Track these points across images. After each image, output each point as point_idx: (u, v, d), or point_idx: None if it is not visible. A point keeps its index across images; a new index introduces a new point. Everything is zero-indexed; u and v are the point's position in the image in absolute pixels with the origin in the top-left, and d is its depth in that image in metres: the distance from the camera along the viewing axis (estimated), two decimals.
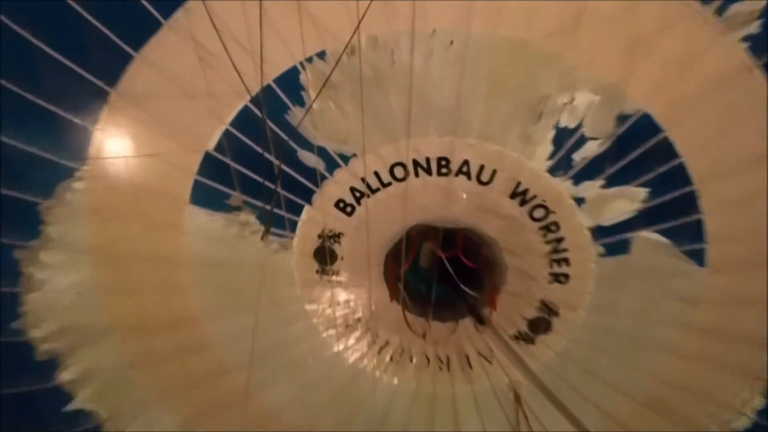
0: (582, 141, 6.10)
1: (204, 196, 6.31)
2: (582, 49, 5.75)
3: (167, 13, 5.81)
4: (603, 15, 5.61)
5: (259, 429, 7.49)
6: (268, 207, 6.60)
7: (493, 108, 6.04)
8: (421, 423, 7.55)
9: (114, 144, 6.03)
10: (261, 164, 6.19)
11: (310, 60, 5.78)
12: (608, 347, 7.03)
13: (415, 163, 6.25)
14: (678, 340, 6.79)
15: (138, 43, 5.75)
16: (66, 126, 5.85)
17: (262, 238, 6.75)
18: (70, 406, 6.76)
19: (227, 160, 6.13)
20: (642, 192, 6.24)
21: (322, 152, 6.20)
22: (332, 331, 7.20)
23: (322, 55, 5.76)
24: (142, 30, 5.85)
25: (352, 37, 5.83)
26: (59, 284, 6.39)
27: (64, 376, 6.66)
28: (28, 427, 6.82)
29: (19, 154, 5.88)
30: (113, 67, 5.76)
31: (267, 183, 6.21)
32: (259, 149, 6.08)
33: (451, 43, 5.75)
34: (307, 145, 6.16)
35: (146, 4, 5.63)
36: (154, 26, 5.73)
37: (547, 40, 5.71)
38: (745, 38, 5.63)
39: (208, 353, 7.05)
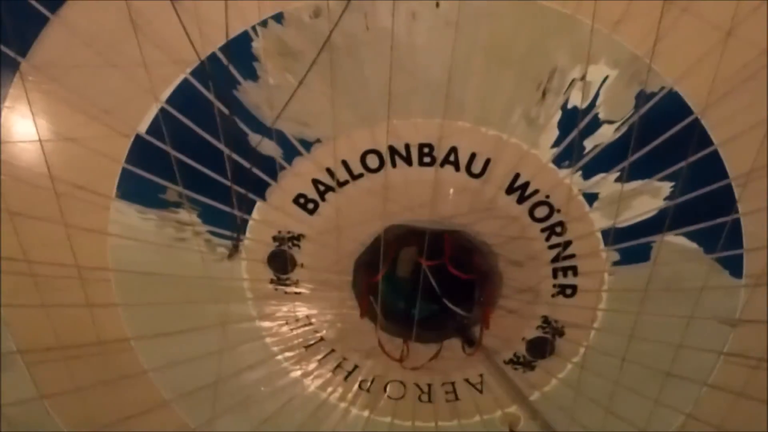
0: (595, 124, 5.67)
1: (134, 190, 5.93)
2: (604, 10, 5.31)
3: None
4: None
5: None
6: (225, 208, 6.11)
7: (491, 84, 5.67)
8: None
9: (24, 126, 5.54)
10: (205, 150, 5.78)
11: (264, 24, 5.32)
12: (624, 376, 6.68)
13: (392, 151, 5.90)
14: (712, 369, 6.50)
15: (55, 1, 5.25)
16: None
17: (229, 257, 6.38)
18: None
19: (163, 146, 5.65)
20: (666, 187, 5.84)
21: (279, 137, 5.75)
22: (290, 354, 6.89)
23: (279, 17, 5.33)
24: None
25: None
26: None
27: None
28: None
29: None
30: (24, 31, 5.37)
31: (215, 175, 5.92)
32: (202, 133, 5.63)
33: (437, 5, 5.30)
34: (261, 129, 5.68)
35: None
36: None
37: None
38: None
39: (142, 381, 6.75)
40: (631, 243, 6.36)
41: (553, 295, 6.44)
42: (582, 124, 5.72)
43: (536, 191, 5.98)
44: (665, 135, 5.67)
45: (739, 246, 5.93)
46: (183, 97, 5.67)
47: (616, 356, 6.71)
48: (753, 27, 5.48)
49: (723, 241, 6.01)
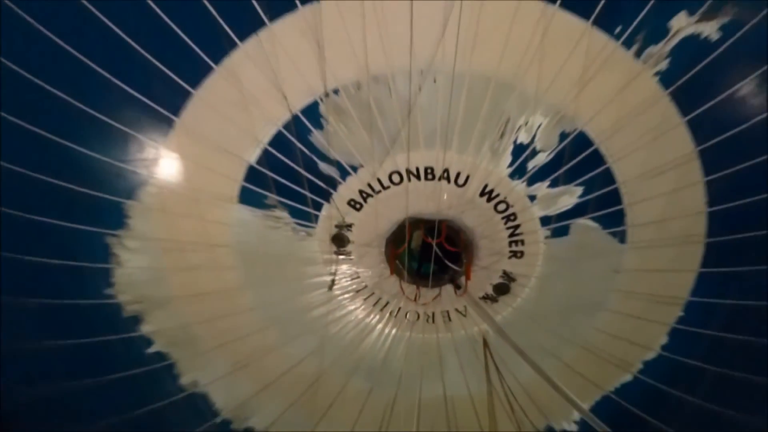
0: (534, 153, 6.28)
1: (249, 198, 6.48)
2: (538, 82, 5.88)
3: (218, 59, 5.66)
4: (555, 58, 5.74)
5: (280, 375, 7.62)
6: (304, 208, 6.57)
7: (469, 129, 6.17)
8: (413, 362, 7.75)
9: (178, 160, 6.21)
10: (292, 173, 6.35)
11: (327, 95, 5.90)
12: (554, 306, 7.26)
13: (408, 172, 6.41)
14: (608, 299, 7.02)
15: (195, 83, 5.75)
16: (139, 146, 5.98)
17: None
18: (151, 349, 7.01)
19: (265, 170, 6.31)
20: (578, 190, 6.43)
21: (337, 165, 6.38)
22: (346, 295, 7.42)
23: (336, 91, 5.90)
24: (196, 72, 5.74)
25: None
26: (137, 264, 6.57)
27: (145, 328, 6.90)
28: (125, 363, 6.97)
29: (109, 166, 5.96)
30: (176, 100, 5.83)
31: (298, 188, 6.44)
32: (289, 162, 6.28)
33: (434, 81, 5.86)
34: (326, 159, 6.29)
35: (197, 50, 5.59)
36: (206, 70, 5.71)
37: (512, 74, 5.83)
38: (657, 73, 5.72)
39: (248, 316, 7.24)
40: (557, 224, 6.73)
41: (509, 257, 6.99)
42: (525, 154, 6.28)
43: (498, 194, 6.53)
44: (577, 159, 6.23)
45: (624, 225, 6.51)
46: (277, 140, 6.13)
47: (548, 294, 7.19)
48: (631, 90, 5.85)
49: (613, 222, 6.54)
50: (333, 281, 7.10)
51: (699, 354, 6.88)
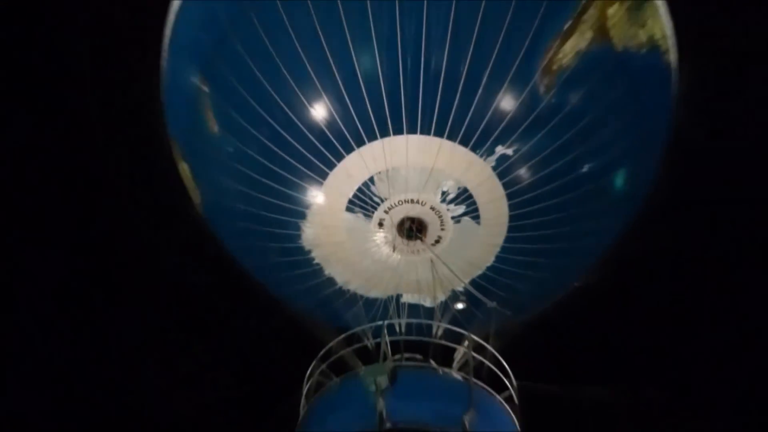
0: (448, 194, 7.20)
1: (348, 209, 7.36)
2: (451, 169, 6.72)
3: (338, 161, 6.60)
4: (455, 162, 6.55)
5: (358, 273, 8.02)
6: (369, 213, 7.12)
7: (427, 185, 7.03)
8: (408, 271, 7.83)
9: (324, 196, 7.16)
10: (364, 200, 7.13)
11: (378, 174, 6.87)
12: (456, 248, 7.69)
13: (405, 200, 7.30)
14: (473, 246, 7.63)
15: (331, 168, 6.65)
16: (312, 191, 7.02)
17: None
18: (314, 261, 7.84)
19: (354, 199, 7.19)
20: (463, 206, 7.33)
21: (380, 197, 7.26)
22: (381, 242, 7.89)
23: (380, 172, 6.76)
24: (330, 165, 6.55)
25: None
26: (309, 232, 7.48)
27: (312, 254, 7.77)
28: (305, 266, 7.75)
29: (300, 198, 6.98)
30: (322, 176, 6.79)
31: (367, 206, 7.18)
32: (362, 196, 7.12)
33: (419, 170, 6.77)
34: (376, 195, 7.18)
35: (331, 158, 6.57)
36: (333, 165, 6.62)
37: (442, 166, 6.67)
38: (491, 166, 6.59)
39: (347, 251, 7.85)
40: (458, 218, 7.29)
41: (440, 231, 7.52)
42: (447, 195, 7.08)
43: (436, 208, 7.25)
44: (463, 197, 7.02)
45: (480, 219, 7.27)
46: (359, 189, 6.97)
47: (456, 241, 7.49)
48: (481, 171, 6.52)
49: (475, 218, 7.26)
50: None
51: (508, 264, 7.73)
